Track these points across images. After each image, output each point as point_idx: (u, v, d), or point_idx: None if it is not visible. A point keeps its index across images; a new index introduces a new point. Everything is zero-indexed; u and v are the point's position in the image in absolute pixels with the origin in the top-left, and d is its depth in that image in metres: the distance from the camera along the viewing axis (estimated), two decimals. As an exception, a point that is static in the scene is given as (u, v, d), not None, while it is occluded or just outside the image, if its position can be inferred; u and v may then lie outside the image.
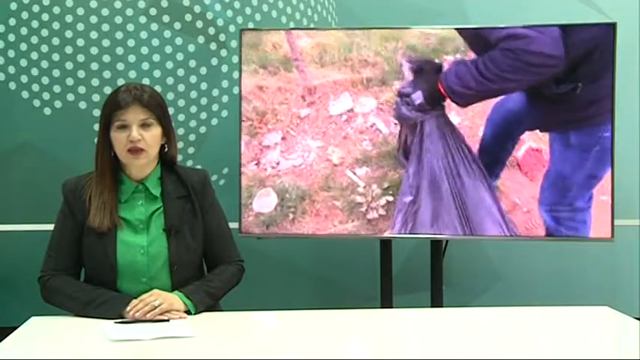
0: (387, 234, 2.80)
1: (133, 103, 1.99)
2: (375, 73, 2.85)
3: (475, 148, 2.81)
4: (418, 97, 2.81)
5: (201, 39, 3.17)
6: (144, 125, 2.00)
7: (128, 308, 1.90)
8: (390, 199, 2.84)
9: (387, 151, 2.87)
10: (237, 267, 2.15)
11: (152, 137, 2.01)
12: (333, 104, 2.87)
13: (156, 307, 1.89)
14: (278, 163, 2.88)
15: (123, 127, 1.99)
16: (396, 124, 2.84)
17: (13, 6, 3.11)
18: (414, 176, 2.82)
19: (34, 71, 3.13)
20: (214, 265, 2.13)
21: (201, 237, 2.10)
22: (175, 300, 1.94)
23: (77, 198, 2.04)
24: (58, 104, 3.15)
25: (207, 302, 2.00)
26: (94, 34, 3.14)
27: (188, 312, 1.95)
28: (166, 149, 2.09)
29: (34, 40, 3.13)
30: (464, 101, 2.81)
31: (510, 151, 2.80)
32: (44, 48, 3.13)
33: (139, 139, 1.98)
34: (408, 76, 2.81)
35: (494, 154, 2.81)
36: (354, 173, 2.86)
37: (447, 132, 2.82)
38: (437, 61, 2.79)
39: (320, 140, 2.87)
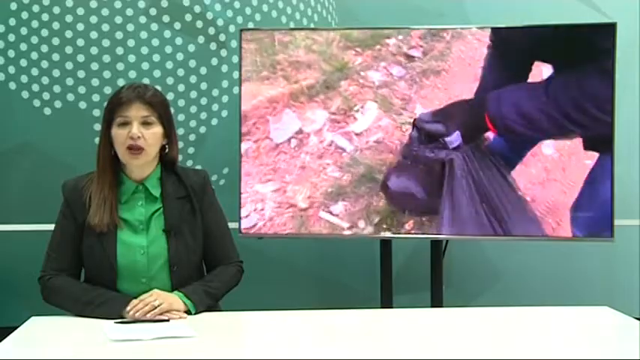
0: (387, 234, 2.79)
1: (135, 100, 1.99)
2: (314, 76, 2.36)
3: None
4: (456, 139, 2.36)
5: (201, 39, 3.17)
6: (145, 123, 2.00)
7: (128, 308, 1.90)
8: (388, 234, 2.41)
9: (360, 174, 2.39)
10: (237, 268, 2.15)
11: (152, 136, 2.01)
12: (275, 128, 2.35)
13: (156, 307, 1.89)
14: None
15: (124, 124, 1.99)
16: (357, 134, 2.40)
17: (13, 6, 3.11)
18: (448, 217, 2.46)
19: (34, 71, 3.13)
20: (213, 266, 2.13)
21: (201, 237, 2.10)
22: (175, 300, 1.94)
23: (77, 199, 2.04)
24: (58, 104, 3.15)
25: (206, 302, 2.00)
26: (94, 34, 3.14)
27: (188, 312, 1.95)
28: (167, 150, 2.09)
29: (34, 40, 3.13)
30: (517, 142, 2.43)
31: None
32: (44, 48, 3.13)
33: (139, 137, 1.98)
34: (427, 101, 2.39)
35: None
36: (331, 213, 2.35)
37: (483, 165, 2.44)
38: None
39: (272, 181, 2.36)
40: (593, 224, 2.67)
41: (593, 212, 2.67)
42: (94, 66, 3.15)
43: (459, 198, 2.53)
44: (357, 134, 2.43)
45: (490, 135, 2.56)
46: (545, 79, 2.57)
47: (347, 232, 2.44)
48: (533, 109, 2.52)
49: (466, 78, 2.60)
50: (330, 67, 2.40)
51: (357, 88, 2.49)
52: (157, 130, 2.02)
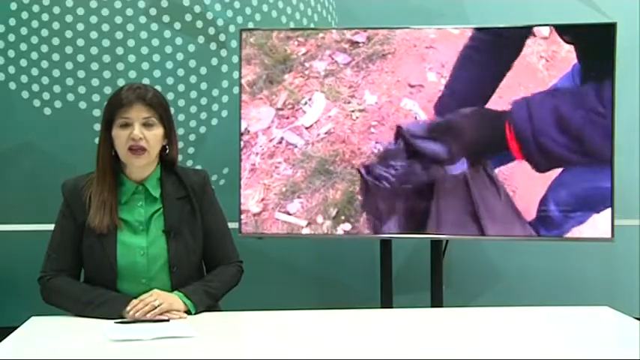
0: (387, 234, 2.79)
1: (136, 101, 1.99)
2: (256, 70, 2.28)
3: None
4: (459, 166, 2.21)
5: (201, 39, 3.17)
6: (146, 124, 2.00)
7: (128, 308, 1.90)
8: (348, 227, 2.34)
9: (314, 168, 2.33)
10: (237, 268, 2.15)
11: (154, 137, 2.01)
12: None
13: (156, 307, 1.89)
14: None
15: (125, 126, 1.99)
16: (307, 128, 2.28)
17: (13, 6, 3.11)
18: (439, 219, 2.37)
19: (34, 71, 3.13)
20: (213, 266, 2.13)
21: (201, 237, 2.10)
22: (175, 300, 1.94)
23: (77, 199, 2.04)
24: (58, 104, 3.15)
25: (206, 302, 2.00)
26: (94, 34, 3.14)
27: (188, 312, 1.95)
28: (167, 150, 2.08)
29: (34, 40, 3.13)
30: (546, 161, 2.26)
31: None
32: (44, 48, 3.13)
33: (141, 138, 1.98)
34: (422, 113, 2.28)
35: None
36: (287, 212, 2.29)
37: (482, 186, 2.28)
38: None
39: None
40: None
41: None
42: (94, 66, 3.15)
43: (452, 202, 2.49)
44: (307, 128, 2.37)
45: (508, 157, 2.37)
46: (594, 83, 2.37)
47: (305, 230, 2.39)
48: (585, 121, 2.22)
49: (412, 59, 2.54)
50: (271, 60, 2.32)
51: (303, 80, 2.43)
52: (158, 131, 2.02)
